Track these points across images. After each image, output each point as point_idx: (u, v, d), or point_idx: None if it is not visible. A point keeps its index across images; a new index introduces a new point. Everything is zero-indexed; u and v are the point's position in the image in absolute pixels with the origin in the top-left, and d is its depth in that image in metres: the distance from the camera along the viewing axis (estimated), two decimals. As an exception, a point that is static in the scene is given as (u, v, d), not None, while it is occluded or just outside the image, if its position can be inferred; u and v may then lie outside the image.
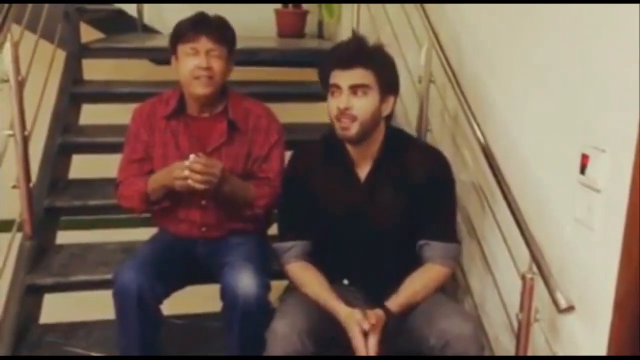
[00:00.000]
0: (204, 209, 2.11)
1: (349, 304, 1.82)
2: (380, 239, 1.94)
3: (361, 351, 1.72)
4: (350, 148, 1.94)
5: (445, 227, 1.96)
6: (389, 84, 1.89)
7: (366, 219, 1.93)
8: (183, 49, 2.03)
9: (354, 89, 1.83)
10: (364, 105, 1.84)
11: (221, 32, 2.06)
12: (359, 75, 1.84)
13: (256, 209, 2.09)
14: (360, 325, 1.72)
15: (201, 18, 2.06)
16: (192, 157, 1.90)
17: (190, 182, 1.90)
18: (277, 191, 2.09)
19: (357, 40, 1.95)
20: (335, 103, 1.85)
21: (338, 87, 1.85)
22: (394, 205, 1.93)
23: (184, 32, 2.03)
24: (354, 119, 1.84)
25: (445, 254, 1.93)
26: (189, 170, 1.89)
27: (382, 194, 1.93)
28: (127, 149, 2.15)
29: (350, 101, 1.83)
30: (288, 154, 2.19)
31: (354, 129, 1.85)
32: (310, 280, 1.90)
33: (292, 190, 2.00)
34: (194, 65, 2.01)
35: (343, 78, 1.84)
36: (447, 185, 1.98)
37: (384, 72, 1.88)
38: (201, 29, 2.02)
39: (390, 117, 1.96)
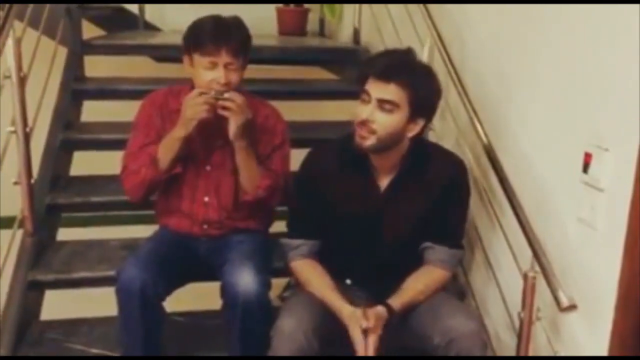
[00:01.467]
0: (206, 206, 2.11)
1: (352, 302, 1.82)
2: (389, 244, 1.93)
3: (360, 350, 1.73)
4: (371, 156, 1.88)
5: (453, 232, 1.96)
6: (422, 106, 1.81)
7: (380, 227, 1.92)
8: (200, 60, 1.98)
9: (382, 103, 1.77)
10: (386, 122, 1.78)
11: (240, 42, 2.00)
12: (391, 91, 1.77)
13: (259, 189, 2.05)
14: (358, 322, 1.73)
15: (221, 27, 1.99)
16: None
17: (224, 108, 1.93)
18: (279, 181, 2.08)
19: (404, 55, 1.86)
20: (360, 111, 1.80)
21: (368, 94, 1.79)
22: (410, 216, 1.92)
23: (203, 43, 1.97)
24: (372, 131, 1.78)
25: (448, 259, 1.93)
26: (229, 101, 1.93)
27: (400, 206, 1.91)
28: (139, 135, 2.11)
29: (374, 114, 1.78)
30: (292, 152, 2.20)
31: (369, 141, 1.80)
32: (315, 278, 1.90)
33: (305, 189, 1.97)
34: (212, 79, 1.97)
35: (375, 88, 1.78)
36: (462, 193, 1.96)
37: (421, 94, 1.79)
38: (221, 41, 1.96)
39: (417, 137, 1.88)
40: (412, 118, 1.81)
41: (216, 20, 2.02)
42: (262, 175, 2.05)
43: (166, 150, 2.02)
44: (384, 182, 1.91)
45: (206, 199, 2.11)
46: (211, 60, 1.97)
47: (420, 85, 1.79)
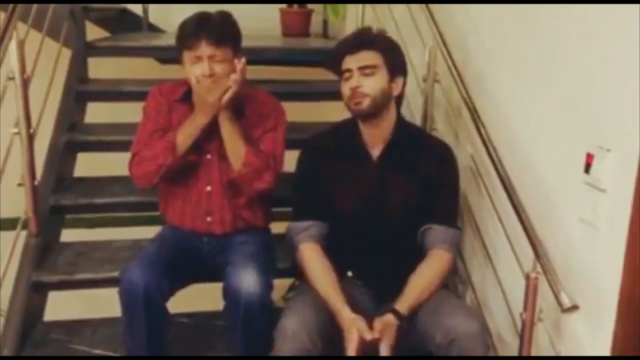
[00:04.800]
0: (208, 195, 2.13)
1: (356, 302, 1.83)
2: (387, 227, 1.96)
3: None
4: (363, 128, 2.04)
5: (448, 212, 2.01)
6: (396, 64, 2.03)
7: (377, 201, 1.98)
8: (187, 56, 2.04)
9: (363, 69, 1.97)
10: (372, 84, 1.97)
11: (221, 33, 2.03)
12: (367, 57, 1.98)
13: (243, 166, 2.04)
14: (361, 334, 1.74)
15: (200, 21, 2.04)
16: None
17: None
18: (267, 161, 2.08)
19: (362, 28, 2.23)
20: (348, 85, 1.99)
21: (349, 70, 1.98)
22: (403, 188, 1.99)
23: (186, 39, 2.03)
24: (364, 95, 1.96)
25: (447, 239, 1.96)
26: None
27: (393, 176, 2.00)
28: (149, 123, 2.14)
29: (360, 81, 1.97)
30: (293, 153, 2.20)
31: (365, 103, 1.96)
32: (321, 274, 1.90)
33: (308, 170, 2.06)
34: (199, 73, 2.02)
35: (352, 61, 1.98)
36: (452, 173, 2.06)
37: (390, 53, 2.02)
38: (200, 33, 2.00)
39: (401, 98, 2.08)
40: (392, 77, 2.01)
41: (199, 15, 2.07)
42: (248, 152, 2.05)
43: (185, 137, 2.05)
44: (375, 153, 2.03)
45: (208, 188, 2.13)
46: (195, 55, 2.02)
47: (387, 46, 2.04)
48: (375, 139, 2.03)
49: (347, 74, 2.00)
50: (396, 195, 1.99)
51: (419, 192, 1.99)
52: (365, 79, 1.97)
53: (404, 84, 2.07)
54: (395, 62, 2.03)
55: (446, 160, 2.06)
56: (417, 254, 1.96)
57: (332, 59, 2.06)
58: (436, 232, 1.96)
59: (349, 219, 1.99)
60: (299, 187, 2.08)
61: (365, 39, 2.04)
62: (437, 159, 2.04)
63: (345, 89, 2.00)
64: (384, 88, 1.98)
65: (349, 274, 1.98)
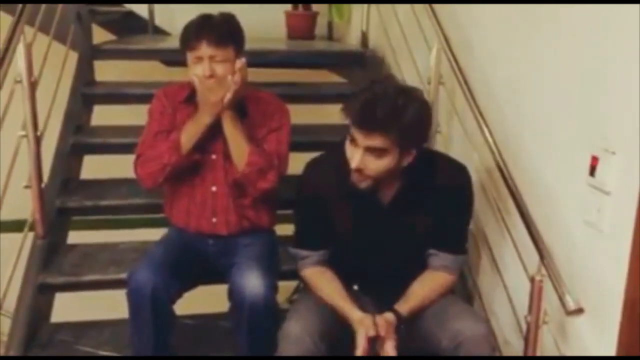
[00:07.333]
0: (214, 196, 2.13)
1: (361, 308, 1.82)
2: (394, 254, 1.93)
3: (359, 354, 1.73)
4: None
5: (457, 238, 1.96)
6: (412, 142, 1.78)
7: (384, 238, 1.92)
8: (189, 57, 2.06)
9: (369, 150, 1.73)
10: (377, 166, 1.76)
11: (222, 33, 2.04)
12: (376, 140, 1.72)
13: (247, 165, 2.05)
14: (366, 330, 1.73)
15: (202, 22, 2.07)
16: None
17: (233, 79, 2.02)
18: (271, 161, 2.08)
19: (383, 95, 1.72)
20: (351, 155, 1.78)
21: (355, 140, 1.75)
22: (414, 226, 1.91)
23: (187, 40, 2.05)
24: (367, 176, 1.78)
25: (451, 265, 1.93)
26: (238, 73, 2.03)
27: (403, 219, 1.90)
28: (153, 124, 2.16)
29: (365, 161, 1.75)
30: (299, 156, 2.21)
31: (365, 184, 1.80)
32: (326, 285, 1.90)
33: (308, 202, 1.96)
34: (200, 74, 2.03)
35: (360, 138, 1.73)
36: (466, 201, 1.96)
37: (409, 133, 1.74)
38: (201, 33, 2.02)
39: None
40: (403, 153, 1.78)
41: (201, 17, 2.09)
42: (252, 151, 2.06)
43: (189, 137, 2.06)
44: (386, 196, 1.90)
45: (214, 188, 2.14)
46: (196, 55, 2.04)
47: (405, 125, 1.71)
48: (385, 188, 1.87)
49: (352, 140, 1.76)
50: (406, 234, 1.91)
51: (430, 227, 1.90)
52: (370, 158, 1.74)
53: (419, 150, 1.83)
54: (412, 140, 1.77)
55: (461, 190, 1.93)
56: (423, 270, 1.94)
57: (345, 112, 1.75)
58: (441, 259, 1.92)
59: (354, 249, 1.95)
60: (299, 218, 2.01)
61: (382, 121, 1.69)
62: (451, 189, 1.89)
63: (349, 156, 1.78)
64: (389, 167, 1.76)
65: (355, 287, 1.97)
